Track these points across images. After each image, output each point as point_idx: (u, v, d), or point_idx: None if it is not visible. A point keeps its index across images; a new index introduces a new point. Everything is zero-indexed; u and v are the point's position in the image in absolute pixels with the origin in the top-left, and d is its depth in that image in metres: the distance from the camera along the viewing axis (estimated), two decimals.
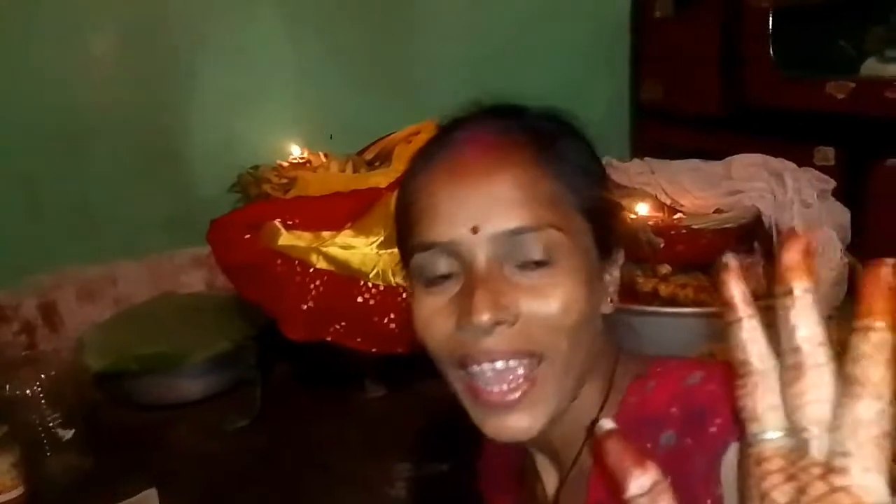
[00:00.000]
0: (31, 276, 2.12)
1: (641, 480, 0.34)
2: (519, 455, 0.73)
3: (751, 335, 0.32)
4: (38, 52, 2.01)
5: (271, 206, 1.74)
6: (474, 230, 0.53)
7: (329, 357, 1.71)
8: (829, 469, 0.29)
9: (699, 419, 0.51)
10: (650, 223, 1.50)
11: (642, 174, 1.63)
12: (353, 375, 1.84)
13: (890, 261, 0.29)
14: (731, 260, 0.33)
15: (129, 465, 1.61)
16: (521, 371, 0.53)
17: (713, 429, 0.50)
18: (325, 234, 1.56)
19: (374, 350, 1.52)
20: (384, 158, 1.95)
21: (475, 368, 0.54)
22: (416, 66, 2.36)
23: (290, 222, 1.58)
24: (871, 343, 0.28)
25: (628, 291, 1.44)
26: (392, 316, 1.48)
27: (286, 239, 1.54)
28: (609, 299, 0.61)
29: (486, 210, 0.53)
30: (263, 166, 2.01)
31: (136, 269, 2.24)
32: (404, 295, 1.49)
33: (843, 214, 1.46)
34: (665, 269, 1.46)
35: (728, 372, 0.54)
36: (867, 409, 0.28)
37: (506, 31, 2.41)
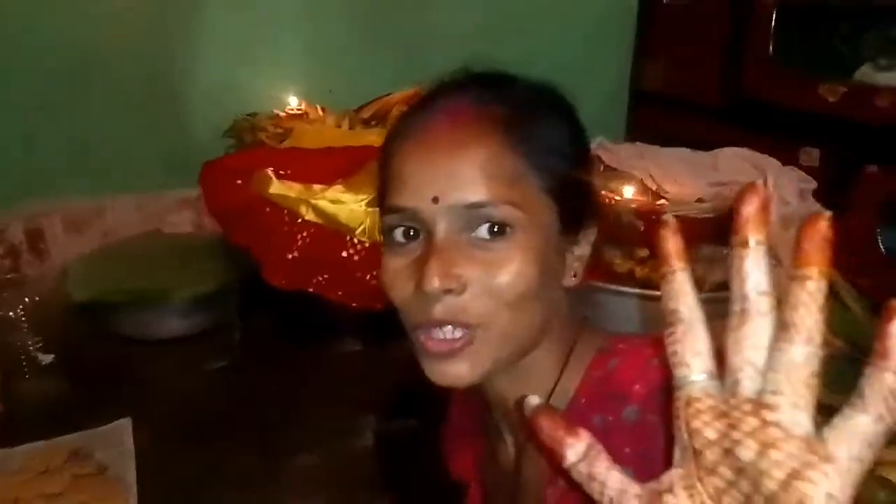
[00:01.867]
0: (19, 203, 2.13)
1: (576, 447, 0.37)
2: (481, 415, 0.76)
3: (681, 286, 0.34)
4: None
5: (265, 155, 1.75)
6: (434, 200, 0.56)
7: (309, 308, 1.74)
8: (760, 405, 0.31)
9: (662, 397, 0.52)
10: (633, 206, 1.53)
11: (632, 158, 1.66)
12: (332, 329, 1.88)
13: (827, 214, 0.30)
14: (669, 218, 0.35)
15: (106, 394, 1.64)
16: (464, 335, 0.57)
17: None
18: (316, 186, 1.58)
19: (353, 304, 1.55)
20: (381, 118, 1.96)
21: (422, 331, 0.57)
22: (422, 31, 2.36)
23: (283, 172, 1.59)
24: (807, 291, 0.30)
25: (606, 271, 1.48)
26: (374, 273, 1.51)
27: (277, 188, 1.56)
28: (573, 273, 0.63)
29: (448, 183, 0.56)
30: (260, 114, 2.02)
31: (126, 204, 2.25)
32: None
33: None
34: (643, 252, 1.50)
35: None
36: (799, 352, 0.30)
37: (515, 5, 2.41)
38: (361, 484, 1.40)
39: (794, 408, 0.30)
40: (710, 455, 0.32)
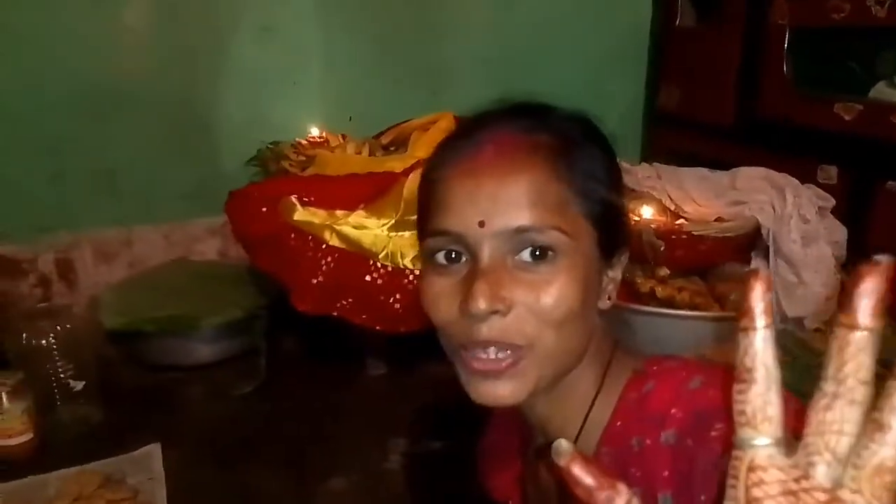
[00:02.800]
0: (49, 234, 2.18)
1: (614, 503, 0.35)
2: (522, 434, 0.77)
3: (764, 346, 0.33)
4: (72, 17, 2.05)
5: (289, 182, 1.79)
6: (481, 224, 0.58)
7: (334, 332, 1.76)
8: (835, 498, 0.30)
9: (701, 422, 0.53)
10: (653, 226, 1.54)
11: (650, 178, 1.67)
12: (357, 352, 1.89)
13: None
14: (763, 268, 0.34)
15: (136, 420, 1.67)
16: (510, 357, 0.58)
17: (714, 433, 0.52)
18: (339, 212, 1.61)
19: (378, 328, 1.57)
20: (400, 144, 2.00)
21: (470, 353, 0.59)
22: (439, 59, 2.40)
23: (307, 199, 1.63)
24: None
25: (628, 290, 1.49)
26: (398, 296, 1.53)
27: (301, 214, 1.59)
28: (608, 297, 0.65)
29: (495, 208, 0.58)
30: (283, 143, 2.06)
31: (153, 234, 2.29)
32: (410, 277, 1.55)
33: (841, 232, 1.50)
34: (664, 271, 1.51)
35: (727, 377, 0.58)
36: (891, 456, 0.29)
37: (529, 32, 2.45)
38: None
39: None
40: None
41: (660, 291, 1.47)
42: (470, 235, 0.58)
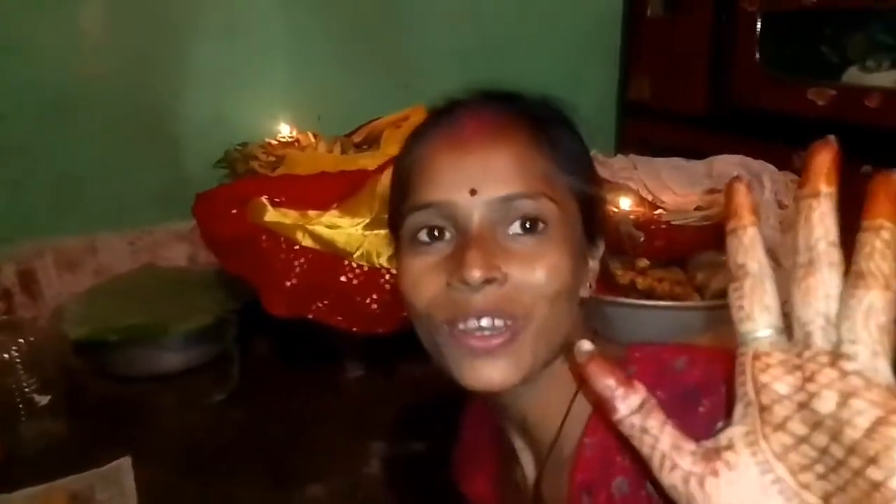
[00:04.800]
0: (10, 244, 2.11)
1: (630, 400, 0.36)
2: (496, 435, 0.74)
3: (751, 242, 0.34)
4: (30, 23, 1.98)
5: (258, 183, 1.74)
6: (472, 192, 0.56)
7: (310, 335, 1.72)
8: (837, 356, 0.30)
9: (687, 401, 0.52)
10: (631, 217, 1.52)
11: (625, 169, 1.66)
12: (333, 354, 1.86)
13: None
14: (743, 174, 0.36)
15: (105, 433, 1.62)
16: (505, 330, 0.55)
17: (702, 409, 0.51)
18: (312, 212, 1.56)
19: (354, 329, 1.53)
20: (372, 141, 1.96)
21: (462, 326, 0.55)
22: (408, 52, 2.37)
23: (277, 199, 1.58)
24: (882, 239, 0.30)
25: (607, 283, 1.47)
26: (374, 296, 1.49)
27: (272, 215, 1.54)
28: (588, 284, 0.63)
29: (484, 177, 0.56)
30: (251, 143, 2.01)
31: (118, 241, 2.23)
32: (387, 277, 1.51)
33: None
34: (643, 262, 1.49)
35: (711, 356, 0.56)
36: (878, 299, 0.29)
37: (499, 23, 2.42)
38: None
39: (873, 356, 0.29)
40: (780, 410, 0.31)
41: (640, 283, 1.45)
42: (460, 205, 0.56)
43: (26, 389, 1.60)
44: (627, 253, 1.48)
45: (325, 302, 1.51)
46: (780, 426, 0.32)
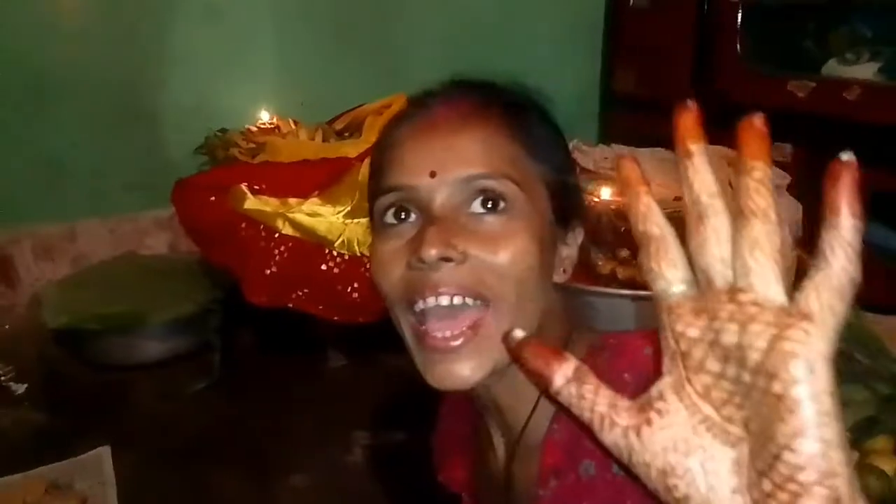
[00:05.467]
0: None
1: (563, 369, 0.37)
2: (471, 422, 0.75)
3: (648, 207, 0.35)
4: (7, 3, 1.94)
5: (238, 170, 1.73)
6: (432, 174, 0.56)
7: (291, 324, 1.72)
8: (734, 291, 0.31)
9: (650, 383, 0.53)
10: (612, 207, 1.53)
11: (607, 159, 1.66)
12: (315, 344, 1.85)
13: (759, 113, 0.32)
14: (622, 150, 0.37)
15: (84, 423, 1.60)
16: (468, 311, 0.55)
17: None
18: (292, 200, 1.56)
19: (335, 318, 1.53)
20: (354, 129, 1.95)
21: (421, 305, 0.55)
22: (392, 40, 2.36)
23: (257, 187, 1.57)
24: (755, 178, 0.31)
25: (588, 273, 1.48)
26: (355, 285, 1.49)
27: (252, 203, 1.54)
28: (563, 269, 0.63)
29: (446, 157, 0.57)
30: (232, 130, 1.99)
31: (98, 228, 2.20)
32: (368, 265, 1.50)
33: (796, 210, 1.51)
34: (624, 252, 1.50)
35: None
36: (759, 230, 0.31)
37: (484, 11, 2.42)
38: (353, 500, 1.37)
39: (766, 283, 0.31)
40: (697, 352, 0.33)
41: (621, 273, 1.46)
42: (422, 187, 0.57)
43: (3, 378, 1.58)
44: (608, 243, 1.48)
45: (306, 291, 1.51)
46: (699, 367, 0.33)
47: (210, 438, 1.57)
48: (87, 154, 2.11)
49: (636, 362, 0.56)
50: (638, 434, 0.34)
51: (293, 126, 2.00)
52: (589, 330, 0.65)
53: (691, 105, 0.35)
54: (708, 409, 0.33)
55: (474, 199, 0.56)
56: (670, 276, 0.34)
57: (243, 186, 1.56)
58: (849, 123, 1.66)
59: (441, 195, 0.56)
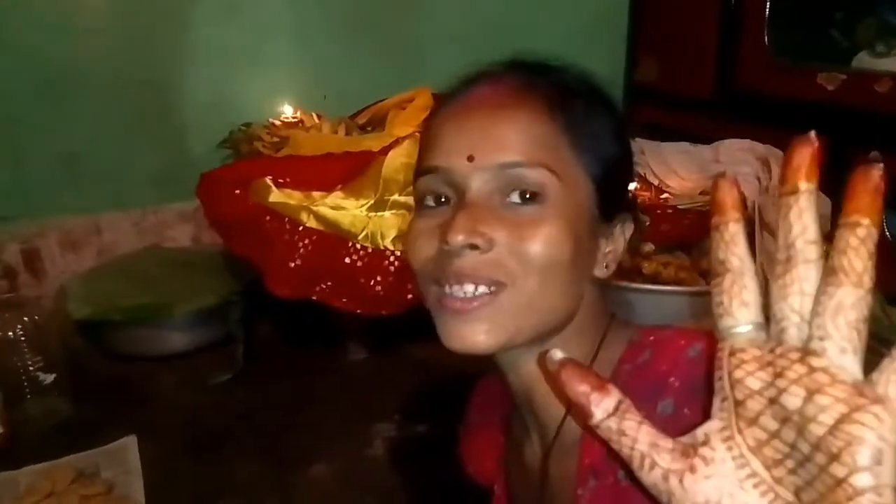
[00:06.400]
0: (13, 223, 2.10)
1: (605, 403, 0.36)
2: (506, 413, 0.74)
3: (733, 237, 0.34)
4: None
5: (262, 164, 1.73)
6: (469, 158, 0.56)
7: (313, 317, 1.72)
8: (806, 352, 0.30)
9: (699, 391, 0.51)
10: (637, 201, 1.52)
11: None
12: (337, 337, 1.86)
13: (879, 165, 0.30)
14: (728, 170, 0.35)
15: (110, 412, 1.62)
16: (485, 292, 0.55)
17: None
18: (316, 193, 1.56)
19: (358, 311, 1.53)
20: (377, 123, 1.95)
21: (446, 290, 0.56)
22: (414, 33, 2.35)
23: (282, 180, 1.58)
24: (857, 236, 0.30)
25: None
26: (378, 278, 1.49)
27: (277, 196, 1.54)
28: (605, 265, 0.62)
29: (484, 142, 0.56)
30: (255, 124, 2.00)
31: (122, 221, 2.22)
32: (391, 259, 1.50)
33: (825, 204, 1.48)
34: (649, 247, 1.49)
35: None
36: (848, 295, 0.29)
37: (506, 6, 2.40)
38: (374, 492, 1.37)
39: (841, 353, 0.29)
40: (753, 405, 0.32)
41: (645, 267, 1.45)
42: (457, 171, 0.57)
43: (31, 368, 1.60)
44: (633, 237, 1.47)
45: (329, 283, 1.51)
46: (754, 421, 0.32)
47: (233, 428, 1.59)
48: (109, 148, 2.13)
49: (679, 364, 0.55)
50: (681, 480, 0.33)
51: (316, 120, 2.01)
52: (628, 325, 0.65)
53: (812, 138, 0.32)
54: (757, 465, 0.32)
55: (511, 189, 0.56)
56: (739, 316, 0.33)
57: (268, 179, 1.57)
58: (879, 117, 1.63)
59: (476, 181, 0.56)
